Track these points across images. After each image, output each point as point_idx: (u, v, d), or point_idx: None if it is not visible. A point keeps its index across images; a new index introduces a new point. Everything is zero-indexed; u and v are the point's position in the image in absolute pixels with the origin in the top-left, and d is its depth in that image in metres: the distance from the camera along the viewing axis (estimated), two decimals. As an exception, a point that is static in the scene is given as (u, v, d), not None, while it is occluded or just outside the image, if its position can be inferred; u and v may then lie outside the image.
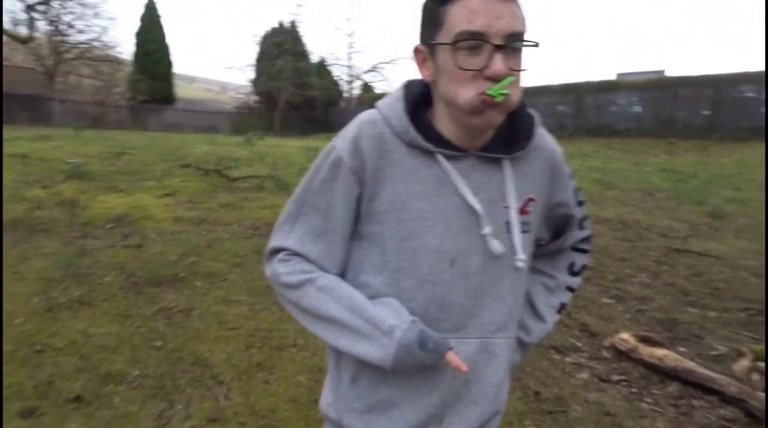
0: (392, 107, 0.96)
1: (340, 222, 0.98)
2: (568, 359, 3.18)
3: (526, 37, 0.87)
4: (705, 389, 2.83)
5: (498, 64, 0.83)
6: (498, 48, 0.83)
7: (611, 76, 23.83)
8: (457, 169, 0.94)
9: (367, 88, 32.59)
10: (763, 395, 2.68)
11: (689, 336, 3.52)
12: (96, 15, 26.38)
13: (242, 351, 3.02)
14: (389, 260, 0.95)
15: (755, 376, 2.96)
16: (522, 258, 0.98)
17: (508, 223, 0.97)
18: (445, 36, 0.86)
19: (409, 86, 1.00)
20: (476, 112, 0.86)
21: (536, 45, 0.88)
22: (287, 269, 0.98)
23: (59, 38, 26.56)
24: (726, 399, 2.75)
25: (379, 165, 0.94)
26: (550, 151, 1.04)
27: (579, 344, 3.37)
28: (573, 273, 1.17)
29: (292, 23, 29.61)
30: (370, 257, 0.98)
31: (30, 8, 17.90)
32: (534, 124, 1.01)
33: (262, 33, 29.14)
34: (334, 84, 32.28)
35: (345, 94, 33.16)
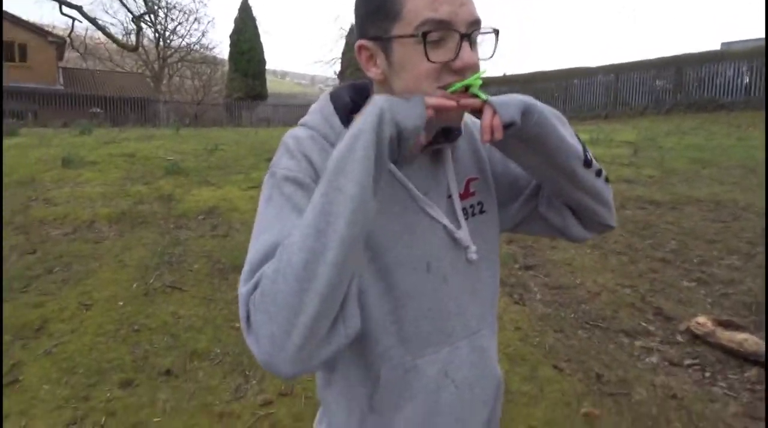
0: (327, 122, 0.88)
1: None
2: (637, 343, 3.10)
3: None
4: (787, 375, 2.68)
5: (467, 53, 0.77)
6: (464, 37, 0.77)
7: (715, 46, 21.84)
8: (407, 174, 0.87)
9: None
10: None
11: (778, 320, 3.30)
12: (196, 20, 28.15)
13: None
14: (366, 288, 0.83)
15: None
16: (472, 249, 0.91)
17: (455, 214, 0.91)
18: (404, 28, 0.77)
19: (337, 98, 0.91)
20: (441, 109, 0.78)
21: (496, 31, 0.83)
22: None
23: (164, 44, 28.65)
24: (809, 386, 2.59)
25: None
26: (467, 125, 0.98)
27: (651, 328, 3.27)
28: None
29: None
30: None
31: (138, 19, 19.70)
32: None
33: (348, 26, 29.65)
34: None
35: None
